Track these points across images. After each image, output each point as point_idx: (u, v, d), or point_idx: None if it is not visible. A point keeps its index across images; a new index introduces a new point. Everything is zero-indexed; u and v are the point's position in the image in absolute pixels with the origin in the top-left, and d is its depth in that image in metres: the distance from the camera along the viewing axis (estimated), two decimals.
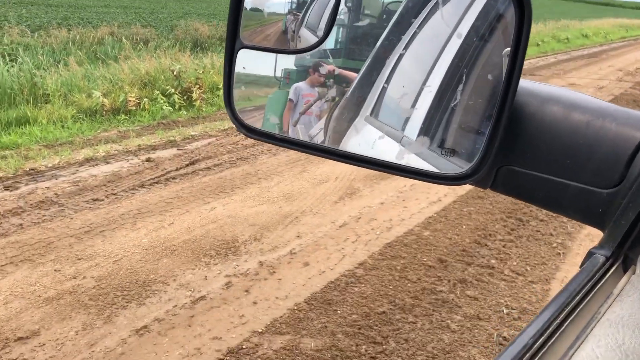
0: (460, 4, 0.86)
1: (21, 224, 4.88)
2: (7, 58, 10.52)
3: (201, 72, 10.56)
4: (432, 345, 3.48)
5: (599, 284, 0.63)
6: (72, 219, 5.06)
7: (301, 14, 0.94)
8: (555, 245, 5.04)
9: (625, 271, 0.66)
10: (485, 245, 4.88)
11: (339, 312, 3.75)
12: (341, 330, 3.56)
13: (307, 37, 0.92)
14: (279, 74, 0.96)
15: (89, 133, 8.02)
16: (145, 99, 9.30)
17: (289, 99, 0.94)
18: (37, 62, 10.78)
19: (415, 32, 0.88)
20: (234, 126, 0.95)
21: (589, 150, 0.75)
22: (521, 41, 0.73)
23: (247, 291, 3.95)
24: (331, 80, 0.91)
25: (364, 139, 0.92)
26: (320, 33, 0.89)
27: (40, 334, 3.39)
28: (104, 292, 3.86)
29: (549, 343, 0.53)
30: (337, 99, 0.92)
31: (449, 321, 3.73)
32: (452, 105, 0.83)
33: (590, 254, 0.70)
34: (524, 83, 0.78)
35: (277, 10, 0.97)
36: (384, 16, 0.92)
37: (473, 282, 4.25)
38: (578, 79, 15.24)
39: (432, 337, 3.55)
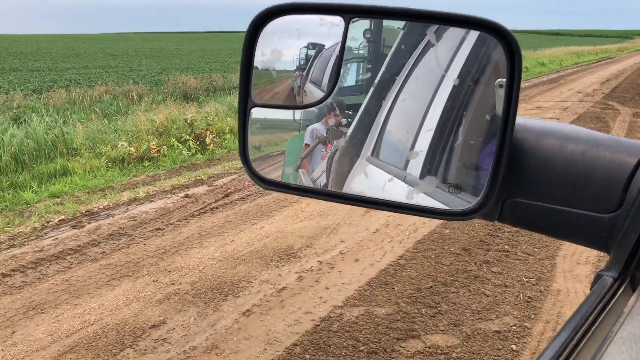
0: (449, 47, 0.88)
1: (103, 252, 5.71)
2: (26, 118, 11.39)
3: (210, 118, 11.57)
4: (475, 305, 4.43)
5: (609, 305, 0.65)
6: (145, 244, 5.90)
7: (305, 70, 0.97)
8: None
9: (633, 291, 0.69)
10: (498, 236, 5.90)
11: (395, 289, 4.68)
12: (402, 300, 4.48)
13: (312, 91, 0.96)
14: (297, 116, 0.97)
15: (121, 179, 8.87)
16: (164, 146, 10.24)
17: (305, 144, 0.95)
18: (54, 121, 11.66)
19: (407, 74, 0.92)
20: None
21: (586, 178, 0.79)
22: (514, 81, 0.77)
23: (317, 281, 4.85)
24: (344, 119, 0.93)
25: (370, 179, 0.96)
26: (324, 86, 0.92)
27: (167, 322, 4.22)
28: (202, 292, 4.71)
29: None
30: (336, 141, 0.93)
31: (483, 289, 4.69)
32: (454, 144, 0.88)
33: (598, 277, 0.72)
34: (519, 120, 0.82)
35: (287, 68, 0.98)
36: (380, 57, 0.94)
37: (495, 262, 5.24)
38: (543, 102, 16.71)
39: (473, 301, 4.50)
